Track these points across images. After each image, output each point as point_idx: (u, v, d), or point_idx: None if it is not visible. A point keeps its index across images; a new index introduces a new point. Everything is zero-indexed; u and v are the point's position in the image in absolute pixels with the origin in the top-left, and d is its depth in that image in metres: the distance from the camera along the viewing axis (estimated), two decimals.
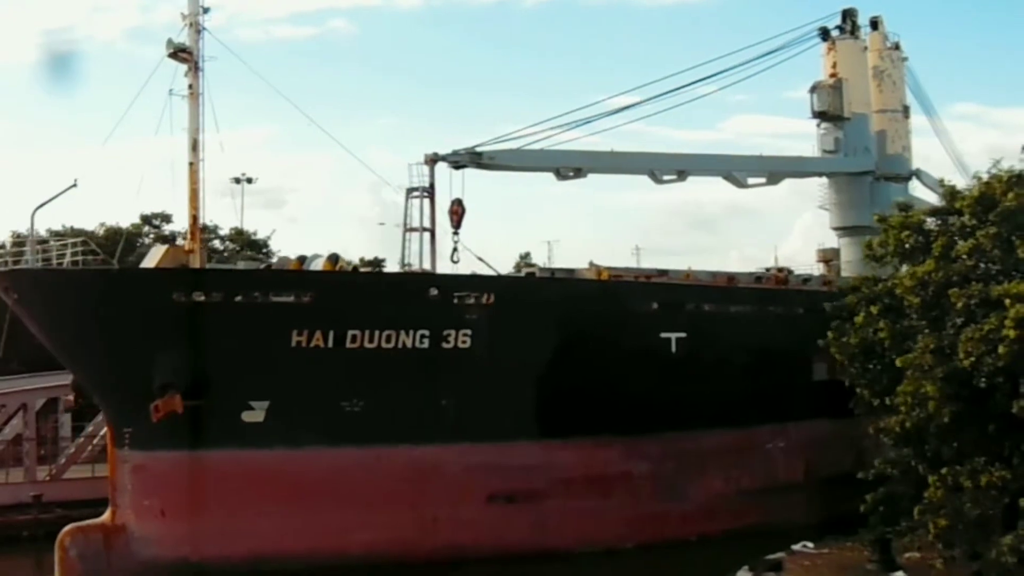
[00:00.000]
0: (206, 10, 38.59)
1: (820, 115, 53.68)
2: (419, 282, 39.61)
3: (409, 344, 37.95)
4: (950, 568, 30.53)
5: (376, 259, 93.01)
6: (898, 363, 30.12)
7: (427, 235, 41.90)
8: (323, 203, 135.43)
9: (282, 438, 37.13)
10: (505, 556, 36.83)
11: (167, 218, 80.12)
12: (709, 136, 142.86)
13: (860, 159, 53.88)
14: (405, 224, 42.08)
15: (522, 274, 50.10)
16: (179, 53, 38.40)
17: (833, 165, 54.41)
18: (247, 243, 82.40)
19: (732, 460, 42.34)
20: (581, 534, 39.16)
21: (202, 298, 36.37)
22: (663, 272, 45.95)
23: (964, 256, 30.81)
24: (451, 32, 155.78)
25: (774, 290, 46.85)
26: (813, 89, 53.97)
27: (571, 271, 44.78)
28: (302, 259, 40.43)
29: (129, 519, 38.28)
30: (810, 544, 37.19)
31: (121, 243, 50.35)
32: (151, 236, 78.62)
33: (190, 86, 38.45)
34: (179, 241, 79.40)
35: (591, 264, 44.83)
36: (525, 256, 73.52)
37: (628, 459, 40.68)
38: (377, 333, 37.60)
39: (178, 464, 37.42)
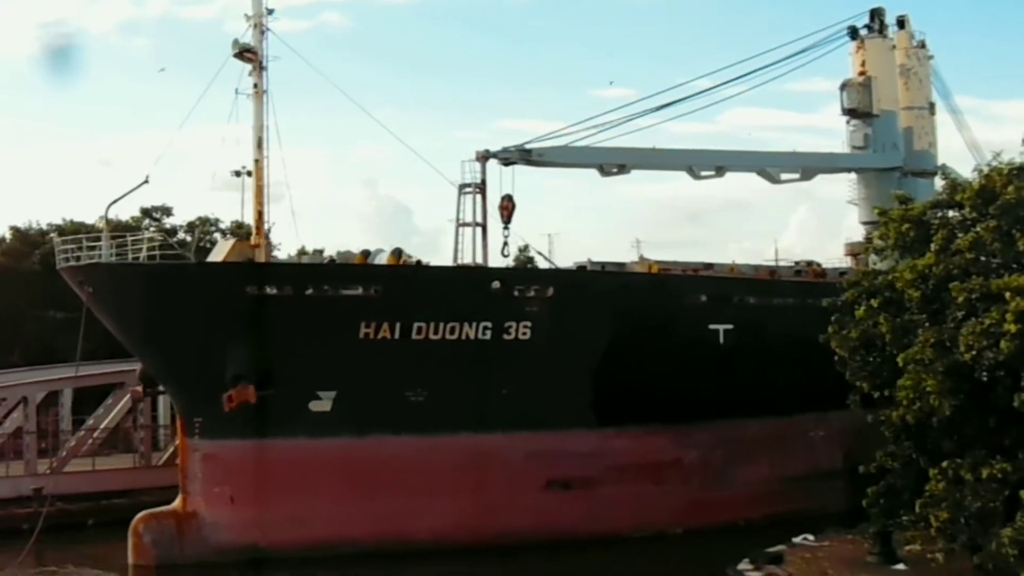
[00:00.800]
0: (270, 11, 40.08)
1: (849, 112, 55.10)
2: (483, 275, 41.19)
3: (472, 335, 39.57)
4: (951, 561, 30.54)
5: (379, 250, 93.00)
6: (899, 360, 30.11)
7: (479, 229, 43.44)
8: (320, 197, 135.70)
9: (348, 427, 38.83)
10: (561, 540, 38.54)
11: (168, 211, 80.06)
12: (706, 129, 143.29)
13: (888, 155, 55.24)
14: (458, 219, 43.50)
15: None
16: (244, 53, 39.77)
17: (863, 161, 55.65)
18: (247, 235, 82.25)
19: (776, 448, 43.85)
20: (633, 519, 40.74)
21: (274, 291, 38.01)
22: (709, 266, 47.45)
23: (964, 249, 30.75)
24: (445, 24, 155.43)
25: (814, 283, 48.12)
26: (843, 87, 55.19)
27: (621, 265, 46.54)
28: (366, 253, 41.92)
29: (200, 506, 39.89)
30: (811, 536, 37.34)
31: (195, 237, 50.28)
32: (151, 229, 78.52)
33: (255, 85, 39.86)
34: (180, 235, 79.81)
35: (641, 258, 47.01)
36: (524, 249, 73.28)
37: (678, 447, 42.43)
38: (442, 325, 39.21)
39: (247, 452, 39.06)
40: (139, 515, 40.44)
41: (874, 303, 32.87)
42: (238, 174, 65.51)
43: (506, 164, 44.56)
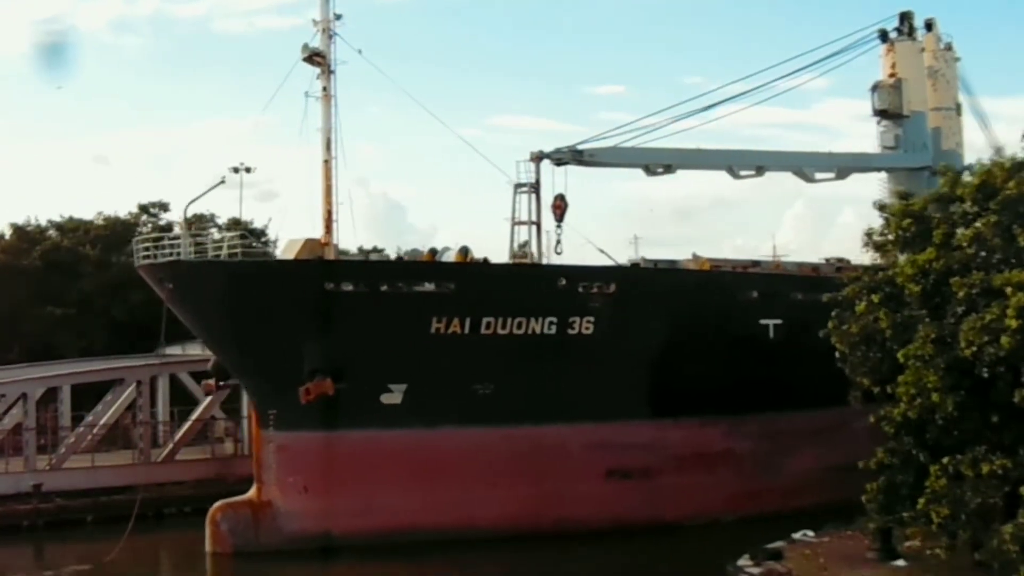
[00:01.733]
0: (338, 17, 41.59)
1: (880, 113, 56.36)
2: (549, 273, 42.87)
3: (538, 330, 41.25)
4: (951, 557, 30.51)
5: (375, 248, 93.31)
6: (900, 356, 30.04)
7: (533, 227, 44.93)
8: (311, 195, 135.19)
9: (417, 419, 40.42)
10: (620, 528, 40.19)
11: (164, 207, 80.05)
12: (699, 125, 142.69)
13: (918, 155, 56.66)
14: (513, 217, 44.88)
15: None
16: (314, 57, 41.26)
17: (894, 161, 56.82)
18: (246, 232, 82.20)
19: (821, 439, 44.70)
20: (688, 507, 42.32)
21: (351, 288, 39.60)
22: (756, 263, 49.20)
23: (964, 245, 30.67)
24: (434, 19, 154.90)
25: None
26: (874, 88, 56.42)
27: (673, 262, 48.16)
28: (434, 252, 43.71)
29: (274, 495, 41.49)
30: (810, 533, 37.29)
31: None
32: (149, 225, 78.53)
33: (324, 88, 41.39)
34: (176, 230, 79.70)
35: (694, 255, 48.33)
36: (524, 245, 73.27)
37: (731, 438, 43.94)
38: (510, 320, 40.87)
39: (319, 443, 40.75)
40: (216, 504, 42.02)
41: (875, 298, 32.74)
42: (236, 170, 65.68)
43: (558, 164, 46.06)
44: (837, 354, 33.94)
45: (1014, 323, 27.14)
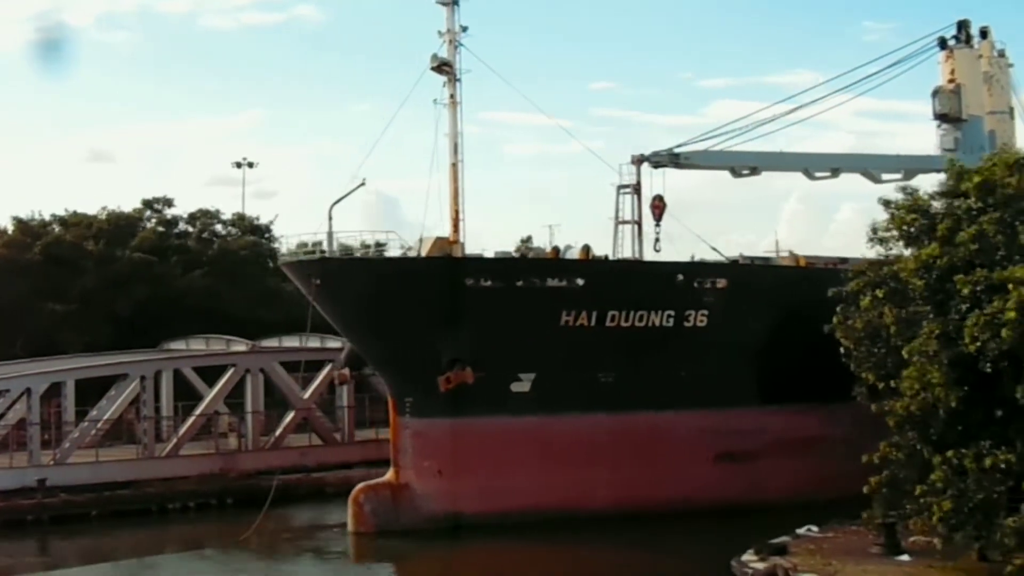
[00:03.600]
0: (464, 28, 44.47)
1: (941, 117, 57.52)
2: (668, 269, 45.76)
3: (657, 323, 44.32)
4: (954, 551, 30.58)
5: (377, 243, 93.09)
6: (904, 351, 30.10)
7: (634, 226, 47.86)
8: (309, 192, 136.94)
9: (543, 406, 43.52)
10: (725, 508, 42.39)
11: (168, 202, 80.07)
12: (691, 121, 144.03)
13: (976, 157, 56.51)
14: (617, 217, 48.03)
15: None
16: (442, 67, 44.12)
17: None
18: (250, 228, 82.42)
19: None
20: (787, 489, 44.05)
21: (489, 284, 42.78)
22: (844, 260, 50.04)
23: (967, 241, 30.68)
24: (421, 16, 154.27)
25: None
26: (934, 94, 57.78)
27: (767, 259, 51.18)
28: (556, 249, 46.19)
29: (411, 478, 44.67)
30: (815, 527, 37.37)
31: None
32: (153, 220, 78.61)
33: (451, 96, 44.29)
34: (181, 225, 79.91)
35: (790, 253, 50.91)
36: (526, 240, 73.59)
37: (826, 424, 45.53)
38: (632, 313, 43.88)
39: (452, 429, 43.79)
40: (358, 486, 45.18)
41: (879, 293, 32.81)
42: (239, 165, 65.18)
43: (656, 167, 48.89)
44: (842, 349, 33.99)
45: (1014, 315, 27.23)
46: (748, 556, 34.14)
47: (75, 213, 75.54)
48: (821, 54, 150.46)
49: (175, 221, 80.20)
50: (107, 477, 50.05)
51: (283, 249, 48.39)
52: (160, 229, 77.48)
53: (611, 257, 46.85)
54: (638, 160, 48.44)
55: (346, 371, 51.41)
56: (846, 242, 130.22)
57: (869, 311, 32.89)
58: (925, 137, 59.14)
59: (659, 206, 48.04)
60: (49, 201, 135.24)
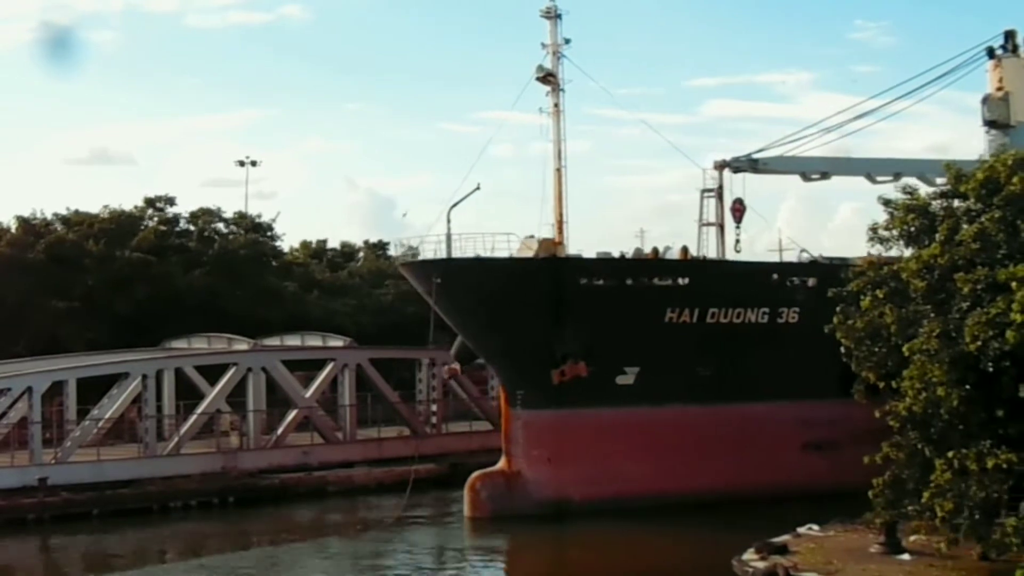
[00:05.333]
0: (567, 41, 47.13)
1: (990, 123, 58.25)
2: (764, 269, 49.19)
3: (753, 319, 47.76)
4: (956, 551, 30.55)
5: (380, 241, 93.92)
6: (905, 351, 30.08)
7: (717, 228, 50.21)
8: (305, 192, 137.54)
9: (646, 398, 46.61)
10: (810, 494, 43.65)
11: (171, 200, 79.99)
12: (685, 120, 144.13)
13: None
14: (701, 219, 50.60)
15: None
16: (547, 77, 46.77)
17: None
18: (252, 227, 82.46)
19: None
20: (864, 476, 44.12)
21: (600, 282, 45.98)
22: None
23: (969, 240, 30.66)
24: (413, 15, 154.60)
25: None
26: (984, 101, 58.49)
27: (844, 259, 51.70)
28: (655, 251, 49.05)
29: (522, 466, 47.91)
30: (816, 526, 37.31)
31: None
32: (154, 220, 78.56)
33: (555, 104, 47.03)
34: (182, 224, 79.86)
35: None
36: (531, 238, 73.45)
37: None
38: (730, 310, 47.19)
39: (561, 420, 46.97)
40: (475, 474, 48.45)
41: (879, 293, 32.80)
42: (242, 164, 65.17)
43: (735, 172, 51.04)
44: (843, 349, 33.97)
45: (1019, 317, 27.16)
46: (749, 555, 34.08)
47: (77, 212, 75.51)
48: (813, 52, 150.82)
49: (176, 220, 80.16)
50: (109, 476, 50.09)
51: (394, 252, 52.00)
52: (162, 228, 77.37)
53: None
54: (720, 165, 50.77)
55: (456, 365, 55.08)
56: (846, 242, 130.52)
57: (870, 311, 32.86)
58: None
59: (739, 209, 50.28)
60: (52, 200, 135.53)
